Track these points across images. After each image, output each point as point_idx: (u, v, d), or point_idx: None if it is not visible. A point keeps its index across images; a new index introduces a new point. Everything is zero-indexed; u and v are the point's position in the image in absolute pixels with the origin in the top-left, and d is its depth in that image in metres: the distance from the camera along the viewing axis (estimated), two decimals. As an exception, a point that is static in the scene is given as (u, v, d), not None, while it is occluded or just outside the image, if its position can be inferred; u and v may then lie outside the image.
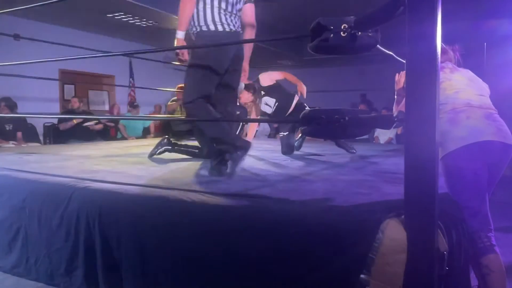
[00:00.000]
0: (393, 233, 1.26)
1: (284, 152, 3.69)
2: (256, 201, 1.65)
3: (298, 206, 1.55)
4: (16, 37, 5.10)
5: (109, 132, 6.95)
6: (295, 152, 3.86)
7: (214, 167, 2.33)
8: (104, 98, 8.63)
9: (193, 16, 2.35)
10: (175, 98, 6.43)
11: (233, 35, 2.35)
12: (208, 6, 2.31)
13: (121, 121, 7.00)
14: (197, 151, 3.21)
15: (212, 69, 2.33)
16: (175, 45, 2.30)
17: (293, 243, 1.46)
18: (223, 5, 2.33)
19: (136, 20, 6.80)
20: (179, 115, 6.25)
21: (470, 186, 1.80)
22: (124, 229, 1.82)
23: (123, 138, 6.83)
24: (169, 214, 1.75)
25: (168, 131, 6.30)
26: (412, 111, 1.19)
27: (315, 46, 1.42)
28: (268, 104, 3.67)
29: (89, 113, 7.32)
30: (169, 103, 6.76)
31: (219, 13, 2.31)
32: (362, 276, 1.28)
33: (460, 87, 1.93)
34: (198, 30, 2.35)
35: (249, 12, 2.48)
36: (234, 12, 2.39)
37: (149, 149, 3.46)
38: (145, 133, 7.24)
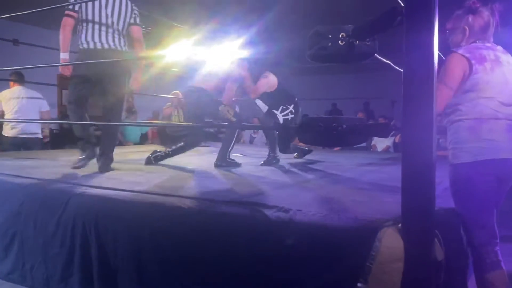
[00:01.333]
0: (390, 242, 1.26)
1: (281, 150, 3.70)
2: (253, 209, 1.64)
3: (295, 214, 1.54)
4: (15, 42, 5.12)
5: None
6: (293, 160, 3.86)
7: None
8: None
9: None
10: (169, 103, 6.44)
11: (105, 52, 2.77)
12: (84, 29, 2.78)
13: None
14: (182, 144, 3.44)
15: (79, 79, 2.80)
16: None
17: (290, 251, 1.45)
18: (97, 27, 2.78)
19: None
20: (176, 120, 6.26)
21: (481, 199, 1.76)
22: (121, 235, 1.82)
23: (120, 144, 6.81)
24: (166, 220, 1.74)
25: (166, 137, 6.31)
26: (409, 120, 1.20)
27: (313, 54, 1.43)
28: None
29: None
30: (164, 108, 6.76)
31: (93, 33, 2.77)
32: (359, 284, 1.28)
33: (494, 93, 1.75)
34: (79, 47, 2.83)
35: (135, 32, 2.96)
36: (114, 31, 2.82)
37: (147, 155, 3.47)
38: (143, 139, 7.23)
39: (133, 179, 2.50)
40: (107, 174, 2.69)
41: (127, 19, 2.91)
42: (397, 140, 6.11)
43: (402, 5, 1.23)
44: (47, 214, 2.05)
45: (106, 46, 2.78)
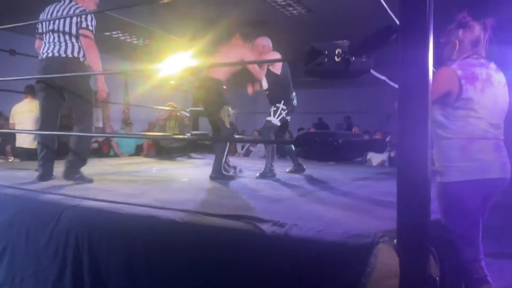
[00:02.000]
0: (386, 258, 1.26)
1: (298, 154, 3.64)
2: (248, 223, 1.63)
3: (290, 228, 1.54)
4: (12, 52, 5.12)
5: (101, 149, 6.91)
6: (289, 174, 3.85)
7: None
8: (98, 114, 8.62)
9: None
10: (162, 114, 6.44)
11: (49, 60, 2.81)
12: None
13: (114, 138, 6.97)
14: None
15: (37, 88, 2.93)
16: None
17: (286, 266, 1.44)
18: (46, 37, 2.86)
19: (133, 39, 6.87)
20: (170, 131, 6.26)
21: (469, 217, 1.78)
22: (114, 249, 1.80)
23: (116, 155, 6.80)
24: (160, 234, 1.73)
25: (161, 149, 6.30)
26: (405, 136, 1.21)
27: (310, 70, 1.44)
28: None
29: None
30: (158, 117, 6.75)
31: (43, 47, 2.85)
32: (354, 301, 1.27)
33: (483, 114, 1.77)
34: None
35: (81, 38, 2.85)
36: (61, 40, 2.81)
37: (142, 166, 3.46)
38: (138, 150, 7.22)
39: (127, 191, 2.49)
40: (102, 185, 2.67)
41: (74, 24, 2.82)
42: (392, 155, 6.14)
43: (398, 22, 1.24)
44: (39, 226, 2.03)
45: (50, 55, 2.79)
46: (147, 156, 6.28)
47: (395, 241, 1.26)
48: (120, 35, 6.71)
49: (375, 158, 6.70)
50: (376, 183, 3.36)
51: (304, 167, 3.90)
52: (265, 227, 1.57)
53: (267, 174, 3.51)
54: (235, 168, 3.45)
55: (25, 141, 4.71)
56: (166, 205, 1.97)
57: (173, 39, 6.71)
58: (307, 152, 1.72)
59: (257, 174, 3.51)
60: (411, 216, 1.17)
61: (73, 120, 2.95)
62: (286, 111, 3.65)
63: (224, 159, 3.26)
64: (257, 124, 10.32)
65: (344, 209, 2.10)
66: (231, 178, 3.23)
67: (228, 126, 3.23)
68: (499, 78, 1.86)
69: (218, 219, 1.71)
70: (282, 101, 3.64)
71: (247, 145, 8.06)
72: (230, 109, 3.28)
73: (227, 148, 3.30)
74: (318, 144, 1.46)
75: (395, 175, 1.21)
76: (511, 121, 1.92)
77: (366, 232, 1.45)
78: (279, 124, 3.65)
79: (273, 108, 3.63)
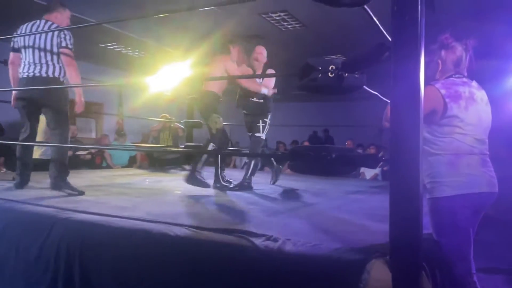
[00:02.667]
0: (379, 274, 1.26)
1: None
2: (241, 237, 1.63)
3: (284, 243, 1.53)
4: (6, 63, 5.11)
5: (94, 160, 6.86)
6: (282, 187, 3.85)
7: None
8: (91, 125, 8.59)
9: None
10: (156, 126, 6.43)
11: (30, 79, 2.93)
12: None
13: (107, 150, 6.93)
14: None
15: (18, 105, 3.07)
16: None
17: (279, 281, 1.44)
18: (26, 56, 2.97)
19: (128, 51, 6.89)
20: (164, 142, 6.25)
21: (461, 231, 1.80)
22: (106, 262, 1.78)
23: (108, 166, 6.75)
24: (152, 248, 1.72)
25: (155, 161, 6.28)
26: (397, 150, 1.22)
27: (303, 85, 1.46)
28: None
29: (79, 141, 7.25)
30: (152, 129, 6.76)
31: (23, 66, 2.98)
32: (347, 317, 1.27)
33: (468, 130, 1.80)
34: None
35: (62, 56, 2.96)
36: (42, 62, 2.93)
37: (135, 178, 3.44)
38: (131, 162, 7.17)
39: (120, 203, 2.47)
40: (94, 198, 2.65)
41: (55, 45, 2.93)
42: (385, 168, 6.17)
43: (390, 39, 1.27)
44: (30, 239, 2.00)
45: (30, 74, 2.94)
46: (140, 167, 6.25)
47: (388, 257, 1.27)
48: (116, 47, 6.73)
49: (368, 171, 6.72)
50: (369, 197, 3.37)
51: (252, 187, 3.69)
52: (259, 242, 1.57)
53: (244, 185, 3.52)
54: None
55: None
56: (159, 218, 1.96)
57: (168, 51, 6.75)
58: (301, 166, 1.73)
59: (231, 185, 3.53)
60: (403, 231, 1.18)
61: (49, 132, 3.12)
62: (269, 125, 3.76)
63: (199, 168, 3.30)
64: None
65: (337, 224, 2.10)
66: (205, 185, 3.26)
67: (214, 132, 3.32)
68: (481, 95, 1.91)
69: (211, 233, 1.70)
70: (269, 115, 3.73)
71: (244, 158, 8.04)
72: (218, 117, 3.35)
73: (205, 158, 3.35)
74: (312, 158, 1.48)
75: (388, 189, 1.22)
76: (498, 136, 1.95)
77: (359, 247, 1.46)
78: (264, 138, 3.76)
79: (261, 124, 3.69)
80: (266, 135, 3.75)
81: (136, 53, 7.02)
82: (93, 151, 6.61)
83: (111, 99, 8.35)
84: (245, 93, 3.71)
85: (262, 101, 3.71)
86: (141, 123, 8.29)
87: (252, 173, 3.65)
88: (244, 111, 3.83)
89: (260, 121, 3.69)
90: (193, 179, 3.24)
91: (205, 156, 3.37)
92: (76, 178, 3.92)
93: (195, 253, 1.63)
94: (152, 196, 3.00)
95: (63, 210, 2.11)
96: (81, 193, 2.83)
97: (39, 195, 2.67)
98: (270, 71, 3.73)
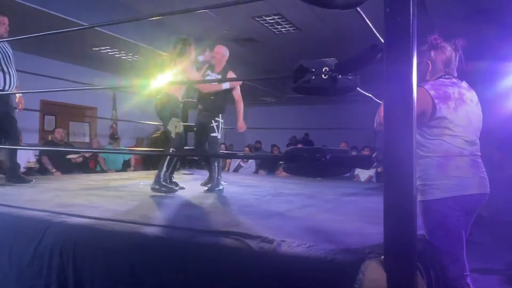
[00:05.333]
0: (373, 274, 1.26)
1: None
2: (236, 239, 1.63)
3: (279, 245, 1.53)
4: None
5: (88, 164, 6.83)
6: (277, 189, 3.85)
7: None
8: (85, 129, 8.54)
9: None
10: (159, 131, 6.48)
11: None
12: None
13: (100, 154, 6.90)
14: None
15: None
16: None
17: (274, 283, 1.43)
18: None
19: (122, 54, 6.87)
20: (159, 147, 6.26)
21: (453, 233, 1.81)
22: (100, 266, 1.76)
23: (102, 170, 6.72)
24: (146, 251, 1.71)
25: (151, 163, 6.27)
26: (390, 151, 1.23)
27: (297, 87, 1.47)
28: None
29: (71, 144, 7.21)
30: (153, 135, 6.83)
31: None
32: (342, 318, 1.26)
33: (458, 131, 1.80)
34: None
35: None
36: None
37: (129, 182, 3.42)
38: (125, 166, 7.15)
39: (113, 207, 2.46)
40: (87, 202, 2.63)
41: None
42: (379, 170, 6.20)
43: (383, 41, 1.28)
44: (23, 243, 1.98)
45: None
46: (134, 171, 6.24)
47: (382, 257, 1.27)
48: (109, 50, 6.71)
49: (362, 173, 6.75)
50: (363, 199, 3.38)
51: (221, 183, 3.73)
52: (253, 243, 1.56)
53: (215, 187, 3.55)
54: (177, 184, 3.46)
55: None
56: (153, 221, 1.96)
57: (162, 55, 6.75)
58: (295, 168, 1.73)
59: (206, 188, 3.56)
60: (397, 231, 1.18)
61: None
62: (223, 124, 3.78)
63: (167, 171, 3.25)
64: (246, 139, 10.36)
65: (332, 225, 2.10)
66: (172, 190, 3.22)
67: (173, 136, 3.28)
68: (471, 96, 1.91)
69: (205, 236, 1.70)
70: (220, 115, 3.74)
71: (237, 161, 8.03)
72: (178, 121, 3.33)
73: (173, 161, 3.32)
74: (306, 160, 1.48)
75: (382, 191, 1.22)
76: (490, 137, 1.96)
77: (354, 248, 1.46)
78: (220, 137, 3.78)
79: (214, 124, 3.70)
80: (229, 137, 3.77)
81: (130, 57, 7.01)
82: (86, 154, 6.58)
83: (104, 103, 8.32)
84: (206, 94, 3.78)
85: (212, 97, 3.74)
86: (135, 127, 8.27)
87: (219, 172, 3.67)
88: (200, 107, 3.86)
89: (212, 120, 3.71)
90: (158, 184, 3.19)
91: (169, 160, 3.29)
92: (70, 182, 3.91)
93: (190, 256, 1.63)
94: (146, 199, 2.98)
95: (57, 214, 2.09)
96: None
97: (31, 198, 2.65)
98: (231, 74, 3.78)
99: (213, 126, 3.69)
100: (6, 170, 3.73)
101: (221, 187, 3.59)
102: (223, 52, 3.82)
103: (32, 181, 3.76)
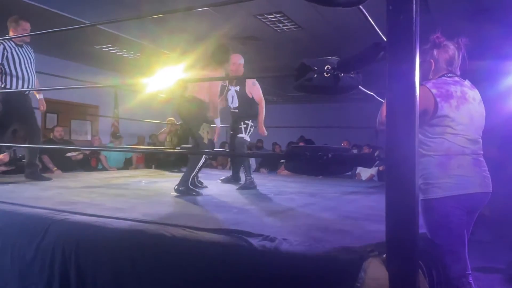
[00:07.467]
0: (375, 273, 1.26)
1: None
2: (237, 237, 1.63)
3: (281, 243, 1.53)
4: (1, 65, 5.09)
5: (89, 162, 6.83)
6: (277, 187, 3.86)
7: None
8: (87, 128, 8.55)
9: None
10: (164, 129, 6.50)
11: None
12: None
13: (102, 152, 6.91)
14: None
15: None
16: None
17: (275, 281, 1.44)
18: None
19: (124, 53, 6.87)
20: (168, 146, 6.29)
21: (454, 232, 1.80)
22: (102, 263, 1.77)
23: (104, 168, 6.72)
24: (148, 249, 1.71)
25: (153, 161, 6.29)
26: (392, 149, 1.23)
27: (299, 85, 1.47)
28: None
29: (70, 142, 7.21)
30: (159, 133, 6.88)
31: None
32: (344, 316, 1.27)
33: (460, 130, 1.80)
34: None
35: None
36: None
37: (131, 180, 3.42)
38: (127, 164, 7.15)
39: (115, 205, 2.46)
40: (89, 200, 2.64)
41: None
42: (381, 169, 6.19)
43: (385, 39, 1.27)
44: (25, 240, 1.99)
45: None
46: (136, 169, 6.26)
47: (384, 256, 1.27)
48: (111, 48, 6.71)
49: (364, 172, 6.74)
50: (365, 197, 3.38)
51: (241, 181, 3.91)
52: (255, 242, 1.56)
53: (248, 186, 3.64)
54: (201, 183, 3.57)
55: None
56: (155, 219, 1.96)
57: (164, 53, 6.74)
58: (297, 166, 1.73)
59: (237, 187, 3.67)
60: (399, 230, 1.18)
61: None
62: (254, 127, 3.88)
63: (194, 174, 3.25)
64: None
65: (334, 223, 2.10)
66: (197, 194, 3.11)
67: (206, 142, 3.22)
68: (473, 94, 1.90)
69: (208, 234, 1.70)
70: (251, 120, 3.85)
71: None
72: (209, 126, 3.29)
73: (201, 164, 3.25)
74: (308, 159, 1.48)
75: (384, 189, 1.22)
76: (491, 136, 1.94)
77: (356, 246, 1.46)
78: (249, 139, 3.89)
79: (243, 125, 3.80)
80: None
81: (132, 55, 7.00)
82: (87, 152, 6.58)
83: (106, 101, 8.31)
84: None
85: (236, 110, 3.87)
86: (137, 125, 8.26)
87: (250, 172, 3.75)
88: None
89: (241, 122, 3.80)
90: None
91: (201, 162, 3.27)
92: (72, 181, 3.91)
93: (191, 254, 1.63)
94: (148, 197, 2.99)
95: (59, 212, 2.10)
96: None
97: (34, 196, 2.66)
98: (249, 83, 3.85)
99: (241, 127, 3.80)
100: (25, 168, 3.80)
101: (252, 187, 3.64)
102: (238, 61, 3.85)
103: (51, 179, 3.83)
